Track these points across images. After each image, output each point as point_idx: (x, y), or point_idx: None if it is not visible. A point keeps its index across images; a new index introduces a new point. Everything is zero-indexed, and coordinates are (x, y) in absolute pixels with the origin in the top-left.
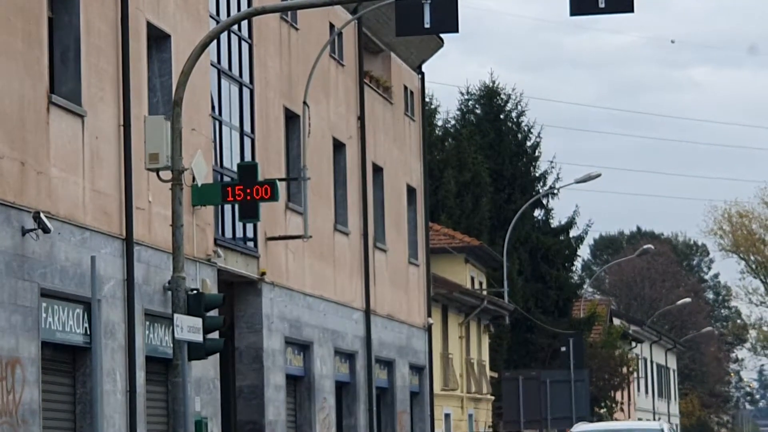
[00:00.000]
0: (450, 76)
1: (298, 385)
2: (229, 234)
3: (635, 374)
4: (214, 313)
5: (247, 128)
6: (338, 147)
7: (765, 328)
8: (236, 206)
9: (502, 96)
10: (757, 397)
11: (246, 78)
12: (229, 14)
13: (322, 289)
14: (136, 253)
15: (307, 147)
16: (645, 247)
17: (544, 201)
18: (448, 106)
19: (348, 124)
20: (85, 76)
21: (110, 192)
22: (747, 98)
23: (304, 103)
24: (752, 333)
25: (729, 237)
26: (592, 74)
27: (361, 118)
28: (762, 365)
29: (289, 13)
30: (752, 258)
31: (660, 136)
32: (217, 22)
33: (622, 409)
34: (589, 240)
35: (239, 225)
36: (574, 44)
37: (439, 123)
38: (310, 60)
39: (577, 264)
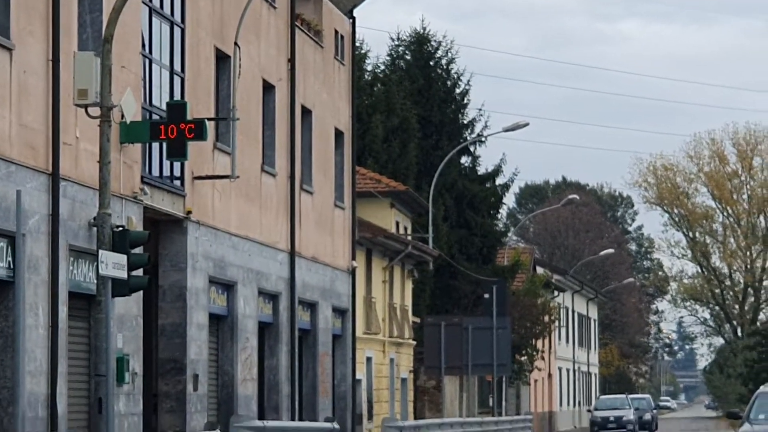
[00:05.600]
0: (380, 22)
1: (221, 325)
2: (156, 172)
3: (557, 323)
4: (139, 250)
5: (177, 67)
6: (268, 89)
7: (686, 281)
8: (164, 145)
9: (432, 43)
10: (676, 348)
11: (177, 17)
12: None
13: (247, 230)
14: (61, 188)
15: (237, 88)
16: (570, 197)
17: (472, 148)
18: (378, 52)
19: (278, 67)
20: (14, 9)
21: (37, 127)
22: (675, 52)
23: (236, 44)
24: (673, 285)
25: (653, 189)
26: (522, 25)
27: (292, 61)
28: (681, 317)
29: None
30: (675, 211)
31: (588, 88)
32: None
33: (542, 357)
34: (514, 188)
35: (166, 163)
36: None
37: (369, 68)
38: (242, 1)
39: (502, 212)
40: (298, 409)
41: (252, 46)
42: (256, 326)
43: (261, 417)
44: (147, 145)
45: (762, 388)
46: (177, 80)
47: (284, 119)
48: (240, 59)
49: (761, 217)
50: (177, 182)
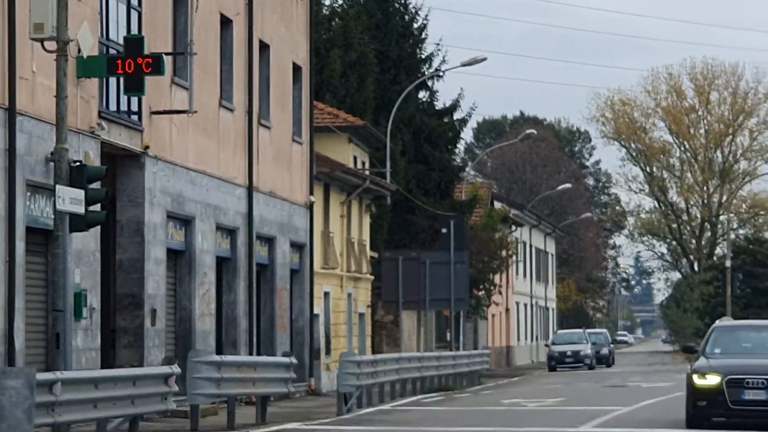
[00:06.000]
0: None
1: (179, 260)
2: (113, 107)
3: (514, 258)
4: (96, 185)
5: (134, 1)
6: (225, 23)
7: (643, 216)
8: (121, 79)
9: None
10: (633, 283)
11: None
12: None
13: (205, 165)
14: (18, 123)
15: (194, 22)
16: (527, 131)
17: (429, 83)
18: None
19: (236, 1)
20: None
21: None
22: None
23: None
24: (630, 220)
25: (611, 124)
26: None
27: None
28: (638, 252)
29: None
30: (633, 146)
31: (546, 23)
32: None
33: (500, 292)
34: (472, 123)
35: (124, 98)
36: None
37: (327, 2)
38: None
39: (460, 147)
40: (256, 343)
41: None
42: (214, 261)
43: (219, 352)
44: (104, 79)
45: (718, 323)
46: (134, 14)
47: (242, 54)
48: None
49: (718, 152)
50: (134, 117)
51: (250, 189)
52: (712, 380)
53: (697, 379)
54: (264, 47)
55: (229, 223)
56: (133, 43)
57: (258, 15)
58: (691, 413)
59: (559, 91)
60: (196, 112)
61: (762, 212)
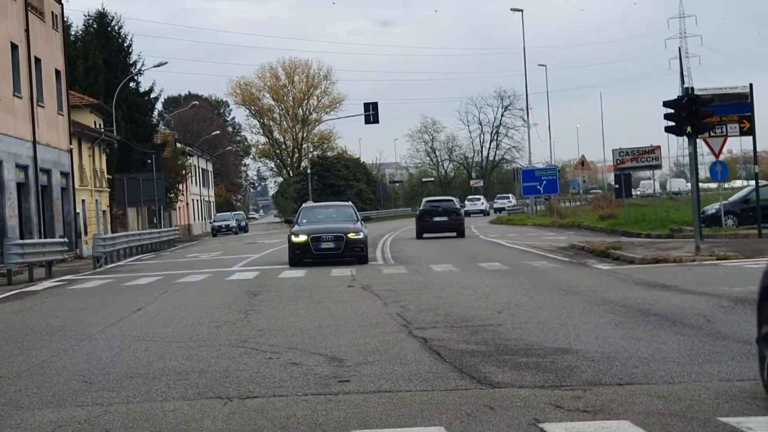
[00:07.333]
0: (80, 3)
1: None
2: None
3: (189, 174)
4: None
5: None
6: (14, 47)
7: (260, 147)
8: None
9: (109, 18)
10: (257, 185)
11: None
12: None
13: (7, 130)
14: None
15: None
16: (193, 103)
17: (136, 78)
18: (78, 23)
19: (19, 33)
20: None
21: None
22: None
23: None
24: (253, 150)
25: (239, 97)
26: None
27: (27, 30)
28: (259, 167)
29: None
30: (252, 108)
31: (198, 25)
32: None
33: (182, 194)
34: (162, 99)
35: None
36: None
37: (73, 32)
38: None
39: (155, 113)
40: (44, 232)
41: (1, 22)
42: (16, 185)
43: (22, 237)
44: None
45: (303, 205)
46: None
47: (25, 64)
48: None
49: (300, 109)
50: None
51: (35, 143)
52: (302, 238)
53: (293, 238)
54: (38, 60)
55: (23, 163)
56: None
57: (33, 41)
58: (292, 258)
59: (210, 78)
60: (1, 100)
61: (326, 141)
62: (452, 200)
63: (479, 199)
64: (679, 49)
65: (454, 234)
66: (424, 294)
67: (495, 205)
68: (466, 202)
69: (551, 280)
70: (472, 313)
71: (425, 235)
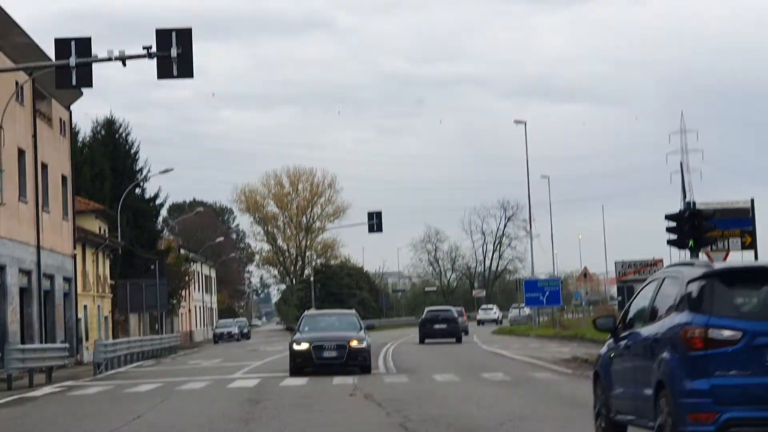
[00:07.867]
0: (88, 106)
1: None
2: None
3: (192, 281)
4: None
5: None
6: (21, 152)
7: (264, 254)
8: None
9: (117, 125)
10: (260, 291)
11: None
12: None
13: (11, 234)
14: None
15: (3, 152)
16: (197, 209)
17: (142, 184)
18: (86, 129)
19: (26, 138)
20: None
21: None
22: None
23: (0, 126)
24: (257, 257)
25: (244, 204)
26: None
27: (35, 136)
28: (262, 275)
29: None
30: (257, 215)
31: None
32: None
33: (185, 300)
34: (167, 206)
35: None
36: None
37: (80, 138)
38: (3, 101)
39: (160, 219)
40: (45, 337)
41: (10, 127)
42: (18, 290)
43: (22, 342)
44: None
45: (305, 312)
46: None
47: (32, 169)
48: (3, 135)
49: (303, 217)
50: None
51: (39, 248)
52: (304, 346)
53: (295, 346)
54: (44, 166)
55: (26, 268)
56: None
57: (40, 147)
58: (292, 366)
59: (215, 185)
60: (4, 204)
61: (329, 250)
62: (450, 310)
63: (492, 309)
64: (681, 164)
65: (453, 340)
66: (426, 404)
67: (510, 315)
68: (479, 311)
69: (554, 392)
70: (474, 424)
71: (427, 341)
